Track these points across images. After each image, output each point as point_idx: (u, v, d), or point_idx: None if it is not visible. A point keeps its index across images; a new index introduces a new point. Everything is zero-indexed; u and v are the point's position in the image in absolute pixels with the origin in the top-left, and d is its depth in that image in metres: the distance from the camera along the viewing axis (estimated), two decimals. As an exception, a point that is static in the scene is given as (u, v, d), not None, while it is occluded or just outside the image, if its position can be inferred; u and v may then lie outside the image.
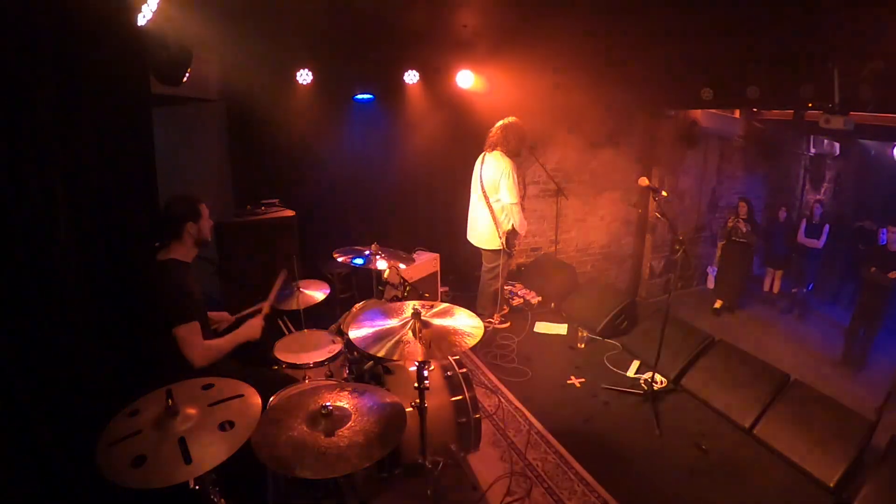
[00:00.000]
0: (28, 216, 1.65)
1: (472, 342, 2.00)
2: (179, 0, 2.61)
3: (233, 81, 4.27)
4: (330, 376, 2.58)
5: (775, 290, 7.37)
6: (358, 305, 3.12)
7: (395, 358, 1.90)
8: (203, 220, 2.44)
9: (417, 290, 3.23)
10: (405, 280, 3.27)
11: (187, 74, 3.00)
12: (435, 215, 5.53)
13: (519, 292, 5.24)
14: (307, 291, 2.92)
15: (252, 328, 2.57)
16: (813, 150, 8.05)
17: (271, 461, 1.49)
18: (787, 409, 3.25)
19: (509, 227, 4.26)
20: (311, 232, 4.51)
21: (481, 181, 4.25)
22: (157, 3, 2.31)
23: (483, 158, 4.31)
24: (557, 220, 4.89)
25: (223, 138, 4.56)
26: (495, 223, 4.21)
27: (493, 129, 4.24)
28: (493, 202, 4.20)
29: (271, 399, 2.21)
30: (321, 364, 2.57)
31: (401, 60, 4.78)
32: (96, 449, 1.39)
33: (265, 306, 2.72)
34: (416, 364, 2.05)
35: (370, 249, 3.13)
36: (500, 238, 4.22)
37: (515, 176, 4.14)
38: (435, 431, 2.45)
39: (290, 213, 4.16)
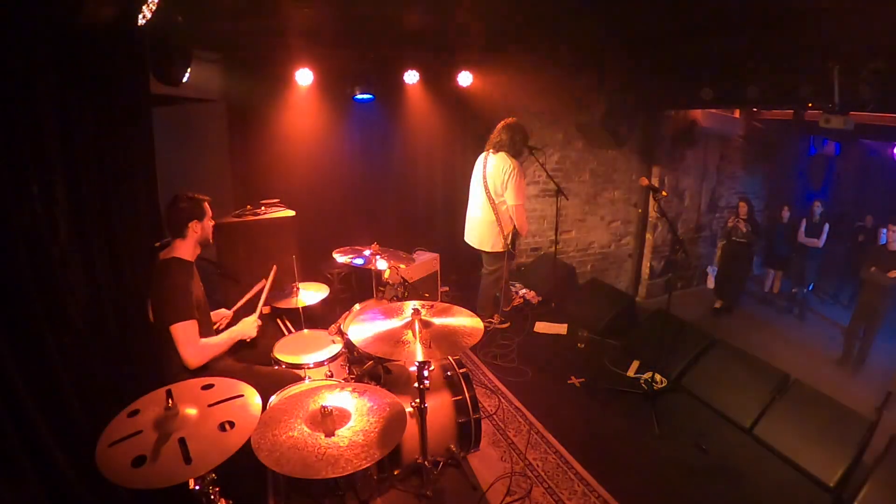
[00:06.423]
0: (28, 217, 1.66)
1: (472, 342, 2.01)
2: (179, 0, 2.61)
3: (233, 81, 4.27)
4: (330, 376, 2.58)
5: (775, 290, 7.38)
6: (358, 305, 3.12)
7: (395, 358, 1.90)
8: (207, 220, 2.43)
9: (417, 290, 3.23)
10: (405, 280, 3.27)
11: (187, 74, 3.00)
12: (435, 215, 5.52)
13: (519, 292, 5.24)
14: (306, 293, 2.92)
15: (248, 325, 2.54)
16: (813, 150, 8.06)
17: (271, 461, 1.49)
18: (787, 409, 3.25)
19: (512, 228, 4.22)
20: (311, 232, 4.51)
21: (485, 183, 4.16)
22: (157, 3, 2.31)
23: (486, 160, 4.20)
24: (557, 220, 4.88)
25: (223, 138, 4.56)
26: (500, 225, 4.17)
27: (496, 130, 4.15)
28: (498, 204, 4.14)
29: (271, 399, 2.22)
30: (321, 364, 2.57)
31: (401, 60, 4.77)
32: (96, 449, 1.39)
33: (259, 307, 2.69)
34: (416, 364, 2.05)
35: (370, 249, 3.13)
36: (506, 240, 4.19)
37: (520, 178, 4.09)
38: (435, 431, 2.45)
39: (290, 212, 4.16)
